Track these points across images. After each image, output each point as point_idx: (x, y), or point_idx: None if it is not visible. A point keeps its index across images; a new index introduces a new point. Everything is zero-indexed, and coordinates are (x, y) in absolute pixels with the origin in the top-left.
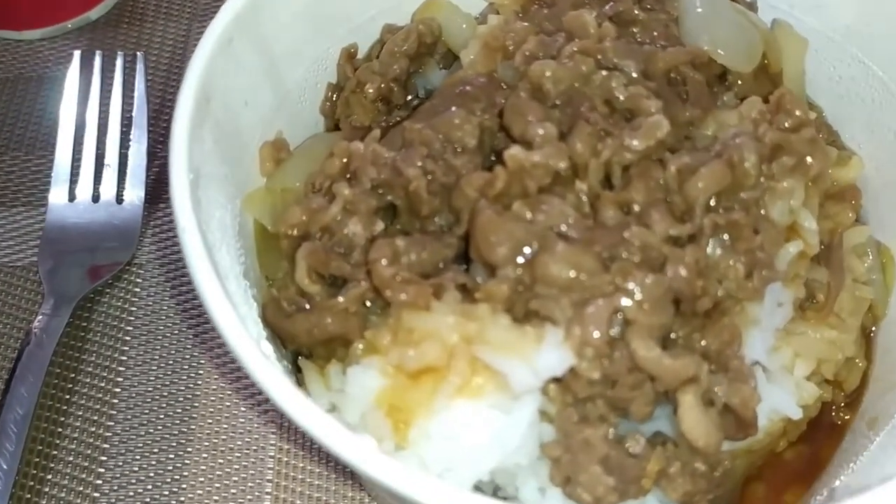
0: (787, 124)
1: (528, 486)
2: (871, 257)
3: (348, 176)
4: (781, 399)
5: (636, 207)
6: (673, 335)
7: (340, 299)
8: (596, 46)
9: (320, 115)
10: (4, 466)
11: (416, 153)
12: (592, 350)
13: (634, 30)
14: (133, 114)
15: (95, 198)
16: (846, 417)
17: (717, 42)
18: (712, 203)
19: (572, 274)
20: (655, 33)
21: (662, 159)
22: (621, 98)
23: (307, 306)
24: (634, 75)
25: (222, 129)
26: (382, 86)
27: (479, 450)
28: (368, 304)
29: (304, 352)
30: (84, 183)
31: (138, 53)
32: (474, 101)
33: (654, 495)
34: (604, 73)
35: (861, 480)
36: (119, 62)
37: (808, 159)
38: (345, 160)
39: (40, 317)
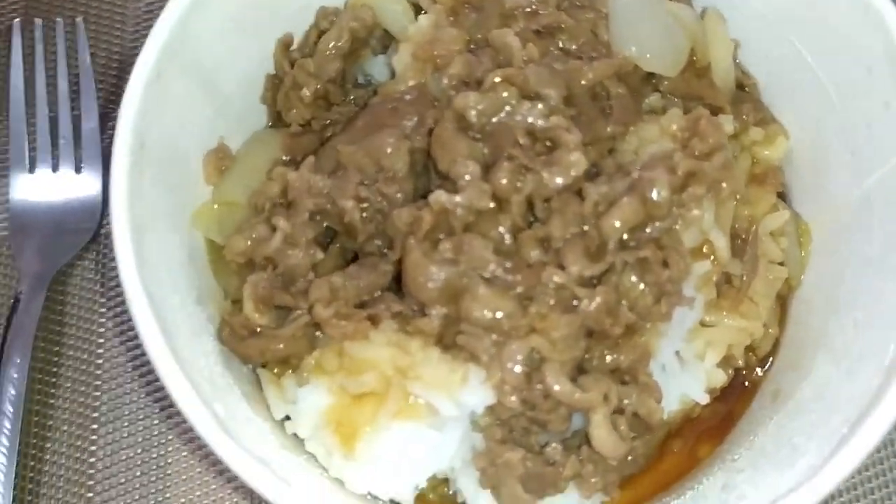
0: (702, 151)
1: (464, 481)
2: (788, 237)
3: (287, 202)
4: (691, 386)
5: (555, 243)
6: (587, 355)
7: (287, 329)
8: (519, 74)
9: (262, 105)
10: (6, 444)
11: (350, 181)
12: (510, 387)
13: (561, 39)
14: (80, 83)
15: (55, 168)
16: (758, 377)
17: (643, 48)
18: (625, 236)
19: (493, 315)
20: (582, 40)
21: (581, 188)
22: (542, 128)
23: (258, 330)
24: (554, 103)
25: (161, 164)
26: (318, 87)
27: (418, 461)
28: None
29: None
30: (42, 156)
31: (78, 22)
32: (405, 118)
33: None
34: (526, 103)
35: (757, 461)
36: (60, 29)
37: (722, 184)
38: (283, 184)
39: (19, 296)
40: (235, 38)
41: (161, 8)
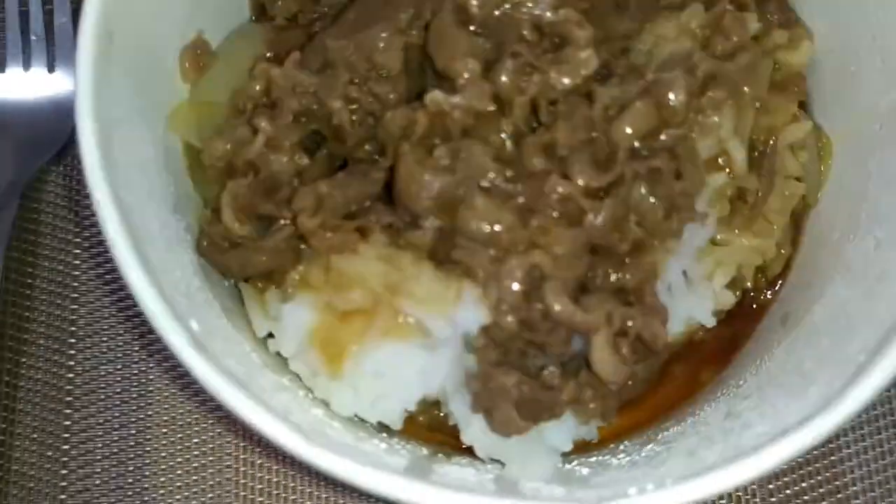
0: (725, 51)
1: (456, 404)
2: (808, 150)
3: (271, 102)
4: (697, 308)
5: (561, 151)
6: (590, 273)
7: (269, 241)
8: None
9: None
10: None
11: (339, 80)
12: (508, 306)
13: None
14: None
15: (26, 66)
16: (767, 299)
17: None
18: (637, 144)
19: (491, 228)
20: None
21: (591, 91)
22: (550, 22)
23: (239, 241)
24: None
25: (132, 58)
26: None
27: (407, 383)
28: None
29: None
30: (12, 53)
31: None
32: (400, 10)
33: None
34: None
35: (764, 388)
36: None
37: (745, 88)
38: (266, 83)
39: None
40: None
41: None
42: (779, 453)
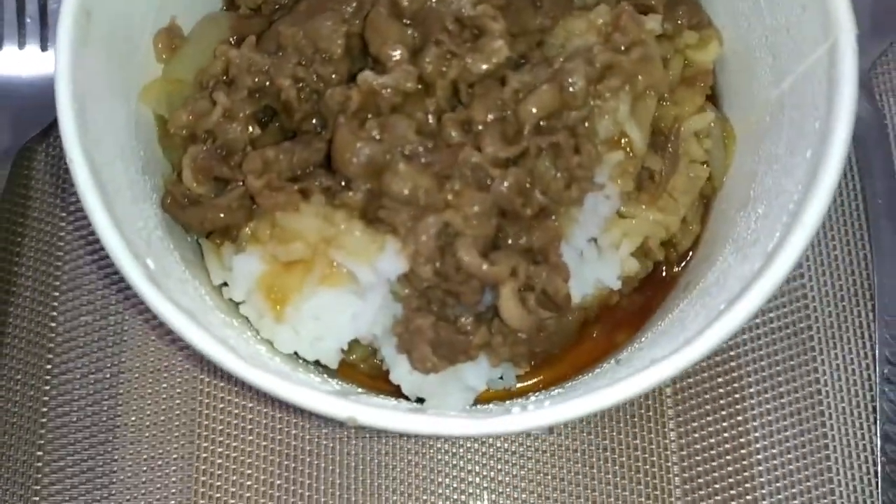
0: (622, 45)
1: (386, 348)
2: (711, 138)
3: (229, 79)
4: (605, 273)
5: (476, 127)
6: (501, 234)
7: (224, 199)
8: None
9: None
10: None
11: (289, 61)
12: (423, 258)
13: None
14: None
15: (21, 45)
16: (677, 271)
17: None
18: (542, 124)
19: (411, 191)
20: None
21: (504, 76)
22: (470, 16)
23: (198, 199)
24: None
25: (109, 37)
26: None
27: (340, 326)
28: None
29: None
30: (8, 33)
31: None
32: (345, 2)
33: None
34: None
35: (655, 340)
36: None
37: (638, 77)
38: (225, 62)
39: None
40: None
41: None
42: (640, 383)
